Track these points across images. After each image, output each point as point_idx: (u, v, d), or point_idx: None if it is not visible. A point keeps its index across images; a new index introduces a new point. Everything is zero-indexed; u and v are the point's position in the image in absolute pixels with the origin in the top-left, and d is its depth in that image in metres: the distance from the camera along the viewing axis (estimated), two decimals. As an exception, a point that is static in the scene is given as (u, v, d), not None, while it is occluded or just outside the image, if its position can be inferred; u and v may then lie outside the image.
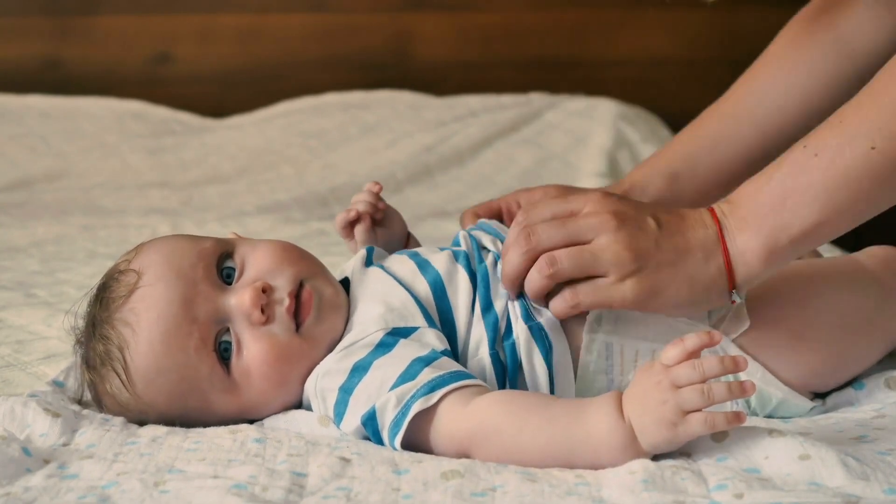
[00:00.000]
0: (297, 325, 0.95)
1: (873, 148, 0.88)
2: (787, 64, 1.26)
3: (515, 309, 0.97)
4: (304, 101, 2.56)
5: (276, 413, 0.97)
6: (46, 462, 0.85)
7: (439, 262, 1.01)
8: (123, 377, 0.94)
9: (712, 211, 0.93)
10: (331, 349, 0.96)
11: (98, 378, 0.96)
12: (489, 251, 1.03)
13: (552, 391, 0.96)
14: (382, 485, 0.80)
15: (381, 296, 0.98)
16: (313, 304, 0.95)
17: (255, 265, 0.97)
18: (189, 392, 0.94)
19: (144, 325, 0.93)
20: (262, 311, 0.93)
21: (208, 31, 2.61)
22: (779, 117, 1.26)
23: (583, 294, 0.92)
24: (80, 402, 0.99)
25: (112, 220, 2.07)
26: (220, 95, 2.62)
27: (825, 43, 1.24)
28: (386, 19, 2.61)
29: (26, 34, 2.61)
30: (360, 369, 0.91)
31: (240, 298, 0.94)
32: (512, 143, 2.45)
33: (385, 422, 0.88)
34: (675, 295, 0.91)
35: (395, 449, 0.87)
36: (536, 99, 2.53)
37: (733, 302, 0.93)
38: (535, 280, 0.93)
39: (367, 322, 0.95)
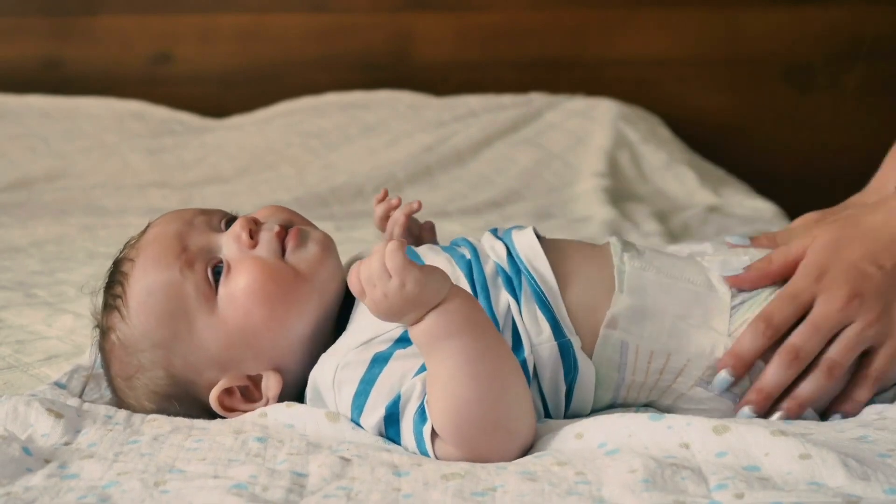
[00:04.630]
0: (283, 252, 1.00)
1: None
2: None
3: (538, 323, 0.96)
4: (304, 101, 2.56)
5: (264, 365, 0.98)
6: (47, 462, 0.85)
7: (439, 266, 1.01)
8: (122, 309, 0.99)
9: None
10: (317, 290, 0.99)
11: (104, 334, 1.00)
12: (489, 258, 1.02)
13: (567, 404, 0.97)
14: (383, 485, 0.80)
15: None
16: (299, 234, 1.01)
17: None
18: (176, 314, 0.97)
19: (141, 256, 1.00)
20: (251, 236, 0.99)
21: (208, 31, 2.61)
22: None
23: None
24: (81, 395, 1.01)
25: (112, 220, 2.07)
26: (220, 95, 2.62)
27: None
28: (386, 19, 2.61)
29: (26, 34, 2.61)
30: (380, 360, 0.92)
31: (231, 229, 1.01)
32: (512, 143, 2.45)
33: (411, 409, 0.89)
34: None
35: (422, 438, 0.87)
36: (536, 99, 2.53)
37: None
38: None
39: None
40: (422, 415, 0.88)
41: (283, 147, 2.48)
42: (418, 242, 1.17)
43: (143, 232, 1.04)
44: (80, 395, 1.02)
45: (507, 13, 2.59)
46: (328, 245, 1.03)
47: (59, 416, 0.92)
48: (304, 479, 0.81)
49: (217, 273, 0.99)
